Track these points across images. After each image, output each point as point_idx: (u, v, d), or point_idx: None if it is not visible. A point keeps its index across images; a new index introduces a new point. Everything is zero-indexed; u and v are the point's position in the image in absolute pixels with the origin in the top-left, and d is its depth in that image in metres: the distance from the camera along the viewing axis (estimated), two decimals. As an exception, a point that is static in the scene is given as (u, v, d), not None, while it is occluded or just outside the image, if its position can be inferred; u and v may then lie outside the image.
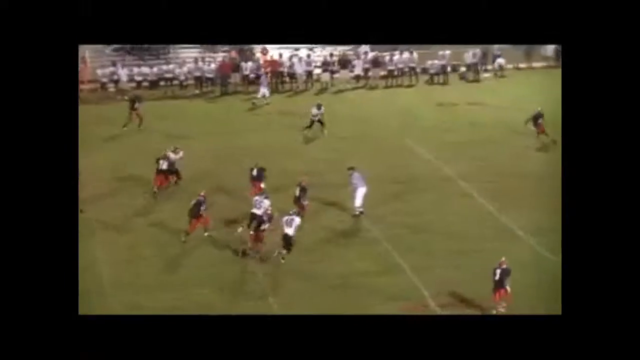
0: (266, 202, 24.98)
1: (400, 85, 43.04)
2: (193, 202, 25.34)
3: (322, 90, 42.30)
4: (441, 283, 22.52)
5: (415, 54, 43.09)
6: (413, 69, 43.36)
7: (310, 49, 44.07)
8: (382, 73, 43.47)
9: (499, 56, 44.33)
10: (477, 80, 43.63)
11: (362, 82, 42.99)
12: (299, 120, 35.69)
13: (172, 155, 29.01)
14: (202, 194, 25.57)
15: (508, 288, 21.14)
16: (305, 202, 26.43)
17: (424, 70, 43.71)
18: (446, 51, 43.13)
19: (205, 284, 23.08)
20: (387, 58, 43.49)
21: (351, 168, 27.57)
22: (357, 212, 26.82)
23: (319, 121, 34.54)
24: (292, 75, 42.82)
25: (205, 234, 25.50)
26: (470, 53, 43.87)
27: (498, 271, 21.15)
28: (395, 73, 43.30)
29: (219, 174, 30.25)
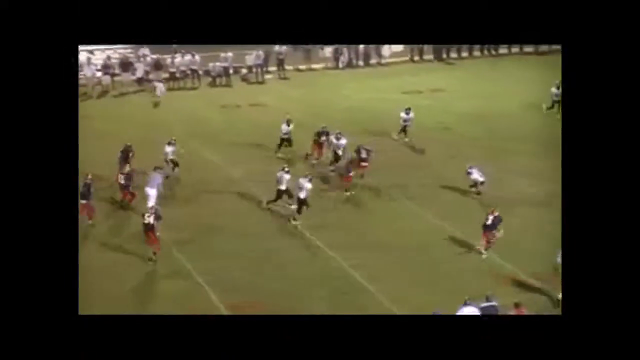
0: (286, 177, 27.23)
1: (182, 88, 43.00)
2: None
3: (103, 93, 41.52)
4: (231, 285, 22.78)
5: (197, 56, 43.15)
6: (195, 71, 43.42)
7: (91, 52, 43.09)
8: (164, 75, 43.23)
9: (282, 59, 45.08)
10: (260, 82, 44.31)
11: (144, 85, 42.57)
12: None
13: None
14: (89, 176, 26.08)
15: (498, 233, 24.52)
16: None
17: (207, 73, 43.92)
18: (228, 53, 43.50)
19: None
20: (169, 60, 43.30)
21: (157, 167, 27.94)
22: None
23: (288, 140, 32.61)
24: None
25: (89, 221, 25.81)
26: (253, 55, 44.46)
27: (490, 217, 24.54)
28: (177, 75, 43.23)
29: None
